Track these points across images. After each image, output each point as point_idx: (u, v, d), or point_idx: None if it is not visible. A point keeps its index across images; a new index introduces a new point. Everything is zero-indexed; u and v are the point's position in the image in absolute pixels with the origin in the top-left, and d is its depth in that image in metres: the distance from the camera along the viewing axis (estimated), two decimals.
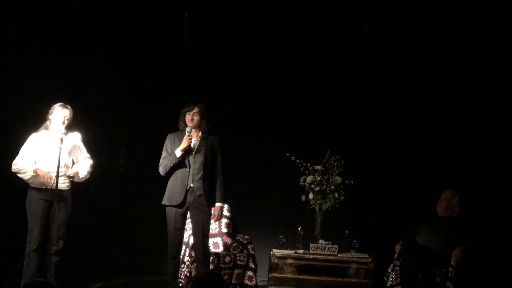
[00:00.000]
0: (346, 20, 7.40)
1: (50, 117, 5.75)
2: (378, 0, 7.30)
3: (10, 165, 5.73)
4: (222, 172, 6.19)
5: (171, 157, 6.05)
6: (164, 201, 6.09)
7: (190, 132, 6.06)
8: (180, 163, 6.06)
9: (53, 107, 5.77)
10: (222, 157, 6.20)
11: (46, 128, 5.76)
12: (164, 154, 6.15)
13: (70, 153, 5.82)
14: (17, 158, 5.72)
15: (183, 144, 6.02)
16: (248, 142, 7.49)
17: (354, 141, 7.38)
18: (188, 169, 6.05)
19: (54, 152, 5.61)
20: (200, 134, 6.15)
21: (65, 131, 5.65)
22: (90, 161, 5.93)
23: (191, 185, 6.04)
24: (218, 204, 6.22)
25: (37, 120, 5.85)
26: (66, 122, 5.74)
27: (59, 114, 5.73)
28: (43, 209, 5.66)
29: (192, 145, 6.07)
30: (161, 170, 6.12)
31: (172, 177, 6.10)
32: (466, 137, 7.20)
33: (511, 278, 6.76)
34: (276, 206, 7.40)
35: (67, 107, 5.78)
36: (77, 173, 5.83)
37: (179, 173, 6.07)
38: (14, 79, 7.28)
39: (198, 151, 6.09)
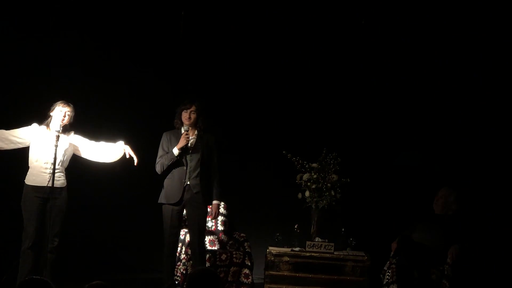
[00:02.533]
0: (343, 18, 7.40)
1: (51, 114, 5.76)
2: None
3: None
4: (219, 170, 6.19)
5: (169, 156, 6.04)
6: (161, 200, 6.08)
7: (187, 131, 6.04)
8: (177, 161, 6.05)
9: (54, 104, 5.78)
10: (218, 155, 6.19)
11: (47, 126, 5.76)
12: (160, 152, 6.13)
13: (66, 151, 5.80)
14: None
15: (181, 143, 6.01)
16: (244, 140, 7.49)
17: (350, 139, 7.39)
18: (185, 167, 6.04)
19: (51, 149, 5.61)
20: (196, 132, 6.13)
21: (61, 129, 5.65)
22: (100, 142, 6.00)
23: (188, 183, 6.03)
24: (214, 201, 6.22)
25: (36, 119, 5.85)
26: (67, 118, 5.74)
27: (60, 111, 5.74)
28: (38, 207, 5.65)
29: (189, 144, 6.06)
30: (158, 169, 6.10)
31: (169, 176, 6.09)
32: (463, 135, 7.21)
33: (507, 276, 6.76)
34: (272, 204, 7.40)
35: (68, 105, 5.80)
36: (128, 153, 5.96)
37: (176, 171, 6.06)
38: (14, 77, 7.25)
39: (195, 149, 6.08)
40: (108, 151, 5.97)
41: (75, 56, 7.39)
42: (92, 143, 5.95)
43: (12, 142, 5.69)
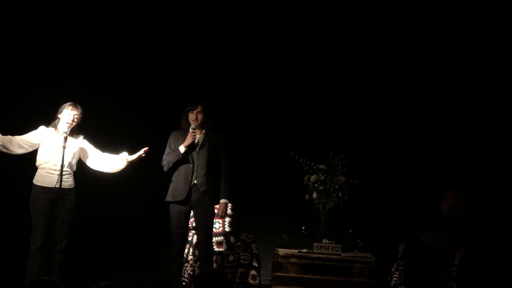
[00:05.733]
0: (351, 20, 7.40)
1: (59, 116, 5.77)
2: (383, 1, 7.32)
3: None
4: (227, 169, 6.19)
5: (175, 153, 6.05)
6: (168, 197, 6.09)
7: (194, 129, 6.06)
8: (184, 159, 6.06)
9: (62, 106, 5.79)
10: (227, 154, 6.20)
11: (55, 127, 5.78)
12: (167, 150, 6.16)
13: (74, 153, 5.82)
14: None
15: (188, 140, 6.02)
16: (252, 141, 7.49)
17: (358, 140, 7.38)
18: (191, 165, 6.05)
19: (59, 150, 5.63)
20: (203, 131, 6.15)
21: (68, 131, 5.66)
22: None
23: (195, 182, 6.03)
24: (222, 200, 6.23)
25: (42, 120, 5.86)
26: (75, 121, 5.75)
27: (69, 115, 5.75)
28: (47, 208, 5.66)
29: (196, 141, 6.07)
30: (164, 166, 6.12)
31: (175, 173, 6.10)
32: (470, 136, 7.20)
33: None
34: (280, 205, 7.40)
35: (76, 107, 5.80)
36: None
37: (182, 169, 6.07)
38: (17, 78, 7.28)
39: (202, 147, 6.10)
40: (111, 162, 5.98)
41: (79, 55, 7.41)
42: (98, 152, 5.97)
43: (22, 147, 5.71)
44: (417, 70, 7.36)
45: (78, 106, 5.82)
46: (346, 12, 7.40)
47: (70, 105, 5.79)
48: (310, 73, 7.53)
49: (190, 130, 6.05)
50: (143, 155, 6.01)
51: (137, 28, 7.50)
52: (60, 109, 5.79)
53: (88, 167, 6.02)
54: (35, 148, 5.76)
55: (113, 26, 7.46)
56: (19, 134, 5.73)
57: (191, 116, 6.09)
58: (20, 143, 5.70)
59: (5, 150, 5.64)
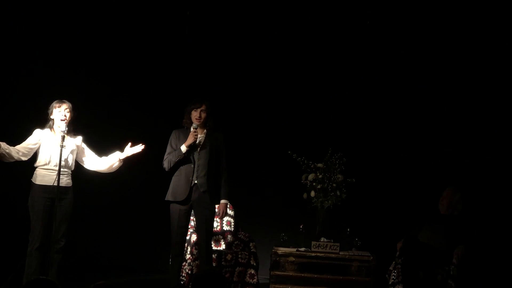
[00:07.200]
0: (348, 19, 7.41)
1: (51, 117, 5.76)
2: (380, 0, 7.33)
3: (12, 163, 5.73)
4: (227, 169, 6.19)
5: (177, 153, 6.04)
6: (168, 197, 6.08)
7: (196, 129, 6.05)
8: (185, 159, 6.04)
9: (51, 106, 5.77)
10: (226, 154, 6.20)
11: (50, 128, 5.77)
12: (168, 149, 6.14)
13: (72, 152, 5.82)
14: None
15: (189, 140, 6.01)
16: (250, 140, 7.50)
17: (356, 139, 7.39)
18: (192, 165, 6.04)
19: (57, 150, 5.62)
20: (205, 131, 6.14)
21: (66, 129, 5.66)
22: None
23: (196, 182, 6.02)
24: (223, 201, 6.22)
25: (40, 119, 5.86)
26: (68, 115, 5.74)
27: (59, 111, 5.74)
28: (45, 207, 5.64)
29: (197, 141, 6.06)
30: (166, 165, 6.10)
31: (176, 173, 6.09)
32: (468, 134, 7.21)
33: None
34: (278, 204, 7.40)
35: (63, 102, 5.77)
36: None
37: (183, 169, 6.06)
38: (14, 78, 7.28)
39: (203, 147, 6.08)
40: (105, 162, 5.97)
41: (80, 56, 7.41)
42: (93, 154, 5.97)
43: (24, 154, 5.72)
44: (414, 68, 7.36)
45: (65, 100, 5.80)
46: (343, 11, 7.41)
47: (56, 102, 5.76)
48: (308, 72, 7.53)
49: (192, 129, 6.04)
50: (139, 151, 6.00)
51: (134, 28, 7.50)
52: (50, 110, 5.77)
53: (83, 167, 6.02)
54: (35, 152, 5.77)
55: (110, 27, 7.46)
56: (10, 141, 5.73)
57: (195, 114, 6.07)
58: (24, 151, 5.71)
59: (13, 160, 5.67)
